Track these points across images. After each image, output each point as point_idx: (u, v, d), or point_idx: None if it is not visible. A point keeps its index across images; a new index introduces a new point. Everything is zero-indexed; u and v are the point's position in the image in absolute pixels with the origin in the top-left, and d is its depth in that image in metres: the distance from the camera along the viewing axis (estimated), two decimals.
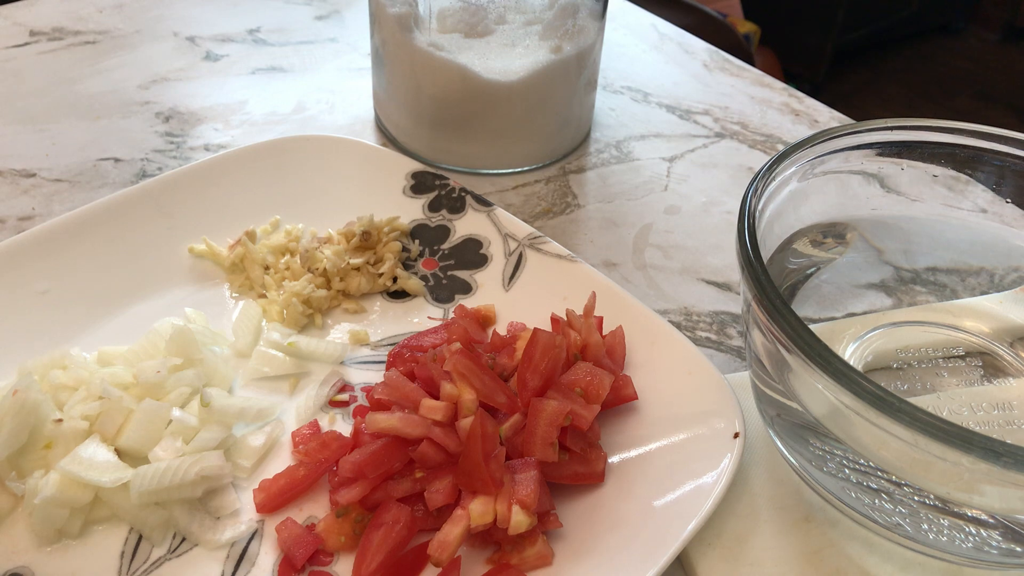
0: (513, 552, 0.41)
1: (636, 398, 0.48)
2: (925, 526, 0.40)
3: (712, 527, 0.44)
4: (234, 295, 0.55)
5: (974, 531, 0.39)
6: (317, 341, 0.52)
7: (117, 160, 0.67)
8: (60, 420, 0.44)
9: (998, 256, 0.51)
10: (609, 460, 0.46)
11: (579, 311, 0.50)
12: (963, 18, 3.31)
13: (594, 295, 0.50)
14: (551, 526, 0.42)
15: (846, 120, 0.77)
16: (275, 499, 0.44)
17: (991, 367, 0.48)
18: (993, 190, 0.49)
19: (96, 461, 0.42)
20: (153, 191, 0.57)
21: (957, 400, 0.46)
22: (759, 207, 0.44)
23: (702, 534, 0.43)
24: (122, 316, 0.53)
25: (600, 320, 0.50)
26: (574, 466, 0.44)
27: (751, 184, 0.44)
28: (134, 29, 0.84)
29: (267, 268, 0.56)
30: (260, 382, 0.50)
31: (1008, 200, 0.49)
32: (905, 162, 0.50)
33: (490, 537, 0.42)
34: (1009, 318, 0.50)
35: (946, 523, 0.39)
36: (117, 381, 0.46)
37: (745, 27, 2.39)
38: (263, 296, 0.55)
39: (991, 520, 0.39)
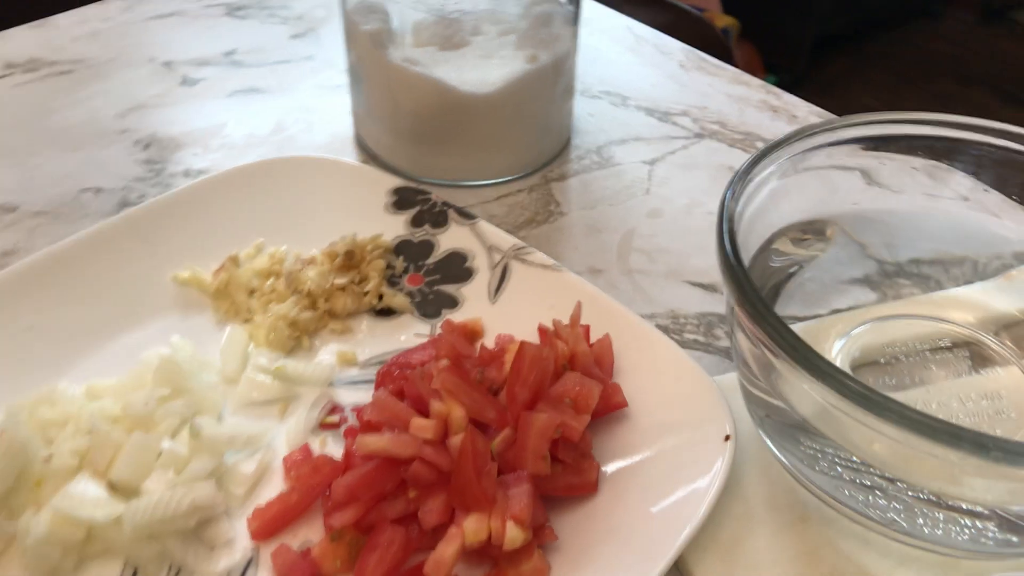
0: (509, 567, 0.41)
1: (626, 405, 0.48)
2: (920, 520, 0.40)
3: (707, 531, 0.44)
4: (220, 321, 0.55)
5: (969, 523, 0.39)
6: (305, 364, 0.51)
7: (98, 190, 0.67)
8: (49, 457, 0.43)
9: (980, 245, 0.51)
10: (602, 469, 0.46)
11: (566, 321, 0.50)
12: (941, 1, 3.32)
13: (579, 304, 0.50)
14: (546, 539, 0.42)
15: (824, 114, 0.77)
16: (269, 526, 0.44)
17: (978, 357, 0.48)
18: (975, 179, 0.50)
19: (88, 497, 0.42)
20: (135, 220, 0.57)
21: (946, 392, 0.46)
22: (738, 209, 0.44)
23: (698, 539, 0.43)
24: (110, 348, 0.53)
25: (587, 329, 0.50)
26: (567, 477, 0.44)
27: (729, 185, 0.44)
28: (109, 57, 0.84)
29: (252, 292, 0.56)
30: (249, 408, 0.50)
31: (986, 189, 0.49)
32: (884, 156, 0.50)
33: (486, 553, 0.42)
34: (994, 307, 0.50)
35: (941, 516, 0.39)
36: (106, 415, 0.46)
37: (723, 21, 2.40)
38: (249, 321, 0.55)
39: (986, 512, 0.39)
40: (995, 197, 0.50)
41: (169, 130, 0.74)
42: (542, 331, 0.51)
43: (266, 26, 0.90)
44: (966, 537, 0.39)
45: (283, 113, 0.76)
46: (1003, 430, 0.44)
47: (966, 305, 0.50)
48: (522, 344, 0.45)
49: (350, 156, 0.71)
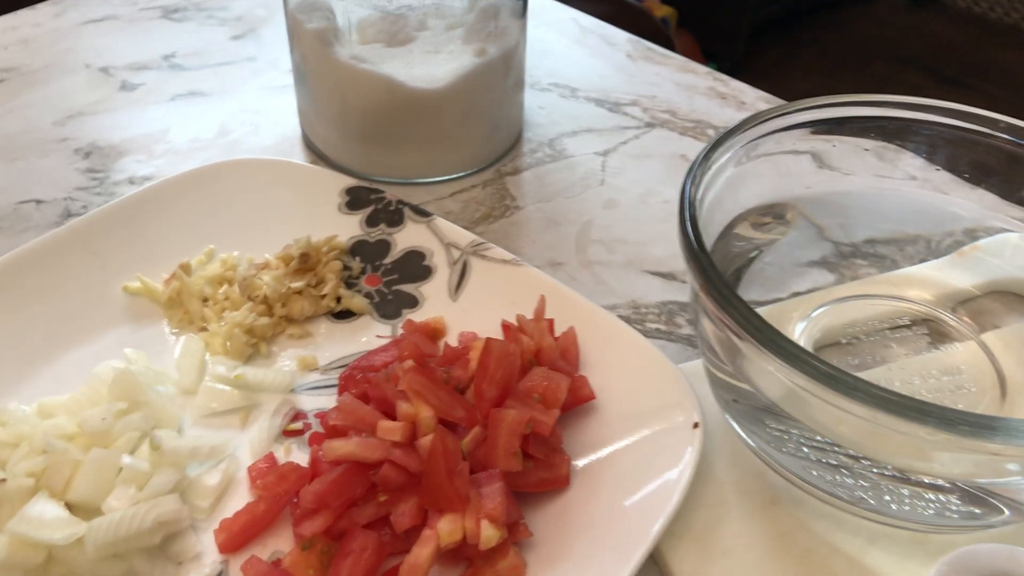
0: (485, 566, 0.41)
1: (594, 398, 0.47)
2: (887, 497, 0.40)
3: (681, 519, 0.44)
4: (174, 331, 0.54)
5: (933, 497, 0.40)
6: (264, 371, 0.50)
7: (39, 202, 0.65)
8: (3, 480, 0.42)
9: (932, 223, 0.52)
10: (573, 463, 0.45)
11: (529, 315, 0.50)
12: None
13: (543, 298, 0.50)
14: (521, 536, 0.42)
15: (771, 99, 0.78)
16: (237, 538, 0.43)
17: (937, 333, 0.49)
18: (924, 159, 0.50)
19: (46, 518, 0.41)
20: (81, 231, 0.55)
21: (908, 370, 0.47)
22: (698, 196, 0.44)
23: (672, 527, 0.43)
24: (60, 364, 0.51)
25: (551, 323, 0.50)
26: (539, 473, 0.44)
27: (688, 174, 0.44)
28: (43, 64, 0.81)
29: (205, 300, 0.55)
30: (210, 418, 0.49)
31: (938, 168, 0.50)
32: (836, 138, 0.51)
33: (461, 554, 0.42)
34: (949, 283, 0.51)
35: (907, 492, 0.40)
36: (61, 433, 0.45)
37: (662, 11, 2.42)
38: (204, 329, 0.53)
39: (948, 485, 0.39)
40: (944, 176, 0.51)
41: (110, 137, 0.72)
42: (506, 327, 0.50)
43: (205, 28, 0.88)
44: (931, 512, 0.40)
45: (228, 116, 0.75)
46: (965, 404, 0.45)
47: (922, 283, 0.51)
48: (488, 341, 0.45)
49: (298, 157, 0.70)
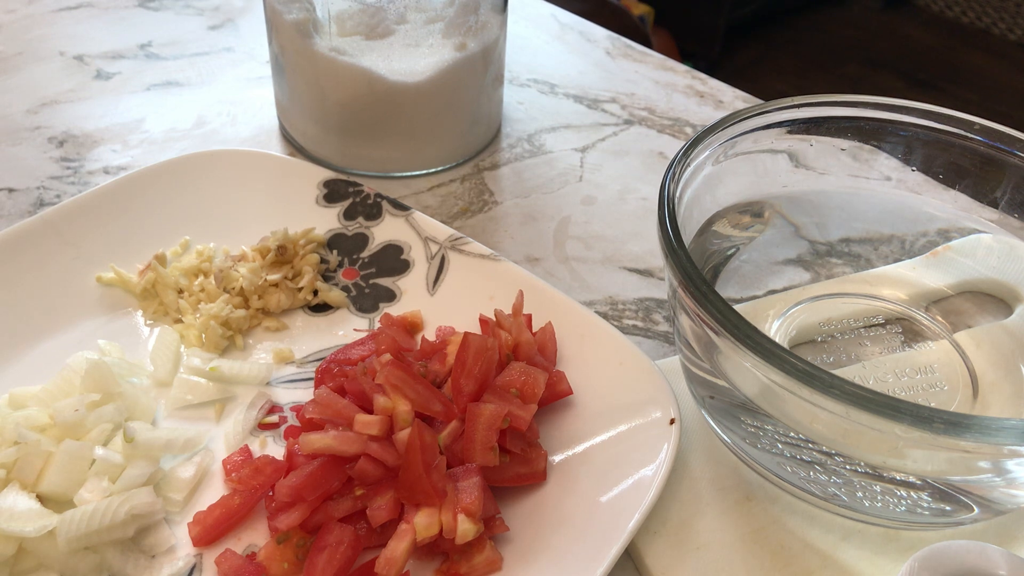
0: (462, 561, 0.41)
1: (571, 393, 0.47)
2: (860, 494, 0.41)
3: (656, 515, 0.44)
4: (149, 322, 0.53)
5: (905, 494, 0.40)
6: (240, 363, 0.50)
7: (11, 191, 0.64)
8: None
9: (907, 223, 0.53)
10: (550, 458, 0.45)
11: (506, 310, 0.50)
12: None
13: (521, 293, 0.50)
14: (498, 530, 0.42)
15: (748, 98, 0.79)
16: (211, 531, 0.42)
17: (910, 332, 0.50)
18: (899, 159, 0.51)
19: (17, 510, 0.40)
20: (54, 221, 0.55)
21: (882, 368, 0.47)
22: (677, 193, 0.44)
23: (647, 523, 0.44)
24: (31, 355, 0.50)
25: (529, 318, 0.50)
26: (516, 468, 0.44)
27: (668, 171, 0.44)
28: (16, 51, 0.80)
29: (181, 292, 0.54)
30: (184, 411, 0.49)
31: (913, 168, 0.51)
32: (813, 138, 0.51)
33: (437, 548, 0.42)
34: (923, 283, 0.51)
35: (879, 488, 0.40)
36: (33, 424, 0.44)
37: (639, 9, 2.42)
38: (179, 321, 0.53)
39: (920, 483, 0.40)
40: (918, 177, 0.51)
41: (84, 126, 0.71)
42: (484, 321, 0.50)
43: (182, 17, 0.87)
44: (903, 508, 0.40)
45: (204, 107, 0.74)
46: (937, 402, 0.46)
47: (896, 282, 0.51)
48: (466, 335, 0.45)
49: (276, 149, 0.69)
